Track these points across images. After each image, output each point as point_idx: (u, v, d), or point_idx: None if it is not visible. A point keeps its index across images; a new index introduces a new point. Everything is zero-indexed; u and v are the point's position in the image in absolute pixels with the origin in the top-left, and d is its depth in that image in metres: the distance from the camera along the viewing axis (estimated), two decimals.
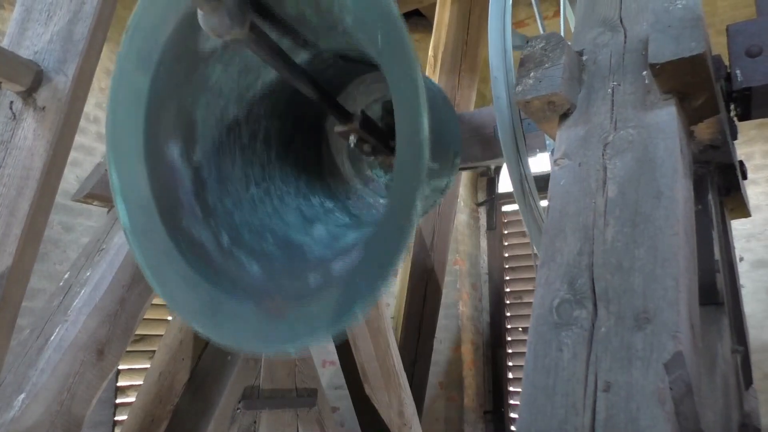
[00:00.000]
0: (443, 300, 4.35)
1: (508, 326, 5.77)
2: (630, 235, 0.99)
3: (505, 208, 5.99)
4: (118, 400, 4.17)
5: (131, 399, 3.98)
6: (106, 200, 2.30)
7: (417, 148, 1.03)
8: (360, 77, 1.78)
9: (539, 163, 1.91)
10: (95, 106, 4.19)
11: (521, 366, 5.11)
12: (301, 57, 1.49)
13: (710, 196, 1.46)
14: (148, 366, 2.66)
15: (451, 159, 1.77)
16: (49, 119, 1.76)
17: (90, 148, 4.11)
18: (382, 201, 1.82)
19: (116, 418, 4.12)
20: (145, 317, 2.13)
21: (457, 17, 4.24)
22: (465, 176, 5.76)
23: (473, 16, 4.28)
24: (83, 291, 1.96)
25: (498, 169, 6.35)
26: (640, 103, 1.16)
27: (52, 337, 1.86)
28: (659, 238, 0.97)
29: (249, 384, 2.38)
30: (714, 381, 1.29)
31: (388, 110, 1.78)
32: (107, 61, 4.25)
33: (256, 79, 1.51)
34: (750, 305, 4.31)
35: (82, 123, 3.57)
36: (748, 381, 1.60)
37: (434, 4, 4.42)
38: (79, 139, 3.58)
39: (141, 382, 2.55)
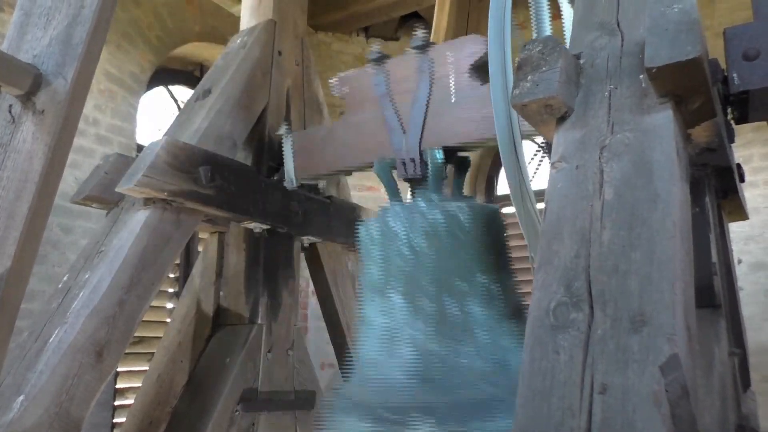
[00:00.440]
0: None
1: None
2: (626, 238, 1.00)
3: (504, 210, 5.97)
4: (116, 402, 4.17)
5: (130, 401, 3.98)
6: (105, 202, 2.30)
7: None
8: None
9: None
10: (94, 108, 4.19)
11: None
12: None
13: (707, 199, 1.46)
14: (146, 368, 2.66)
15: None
16: (48, 122, 1.77)
17: (89, 150, 4.11)
18: None
19: (115, 420, 4.12)
20: (143, 319, 2.13)
21: (456, 20, 4.25)
22: None
23: (472, 19, 4.29)
24: (82, 293, 1.96)
25: (497, 172, 6.35)
26: (636, 106, 1.17)
27: (51, 339, 1.86)
28: (656, 241, 0.97)
29: (248, 386, 2.38)
30: (711, 383, 1.29)
31: None
32: (106, 64, 4.26)
33: None
34: (748, 307, 4.30)
35: (82, 125, 3.58)
36: (746, 383, 1.61)
37: (433, 7, 4.43)
38: (78, 141, 3.58)
39: (139, 384, 2.55)
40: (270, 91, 2.73)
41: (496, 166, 6.38)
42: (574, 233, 1.05)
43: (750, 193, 4.50)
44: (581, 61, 1.29)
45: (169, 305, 4.44)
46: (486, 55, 1.96)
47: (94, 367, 1.89)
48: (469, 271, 1.76)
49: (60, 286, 2.06)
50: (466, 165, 2.13)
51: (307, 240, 2.80)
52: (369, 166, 2.21)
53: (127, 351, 2.12)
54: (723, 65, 1.38)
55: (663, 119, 1.13)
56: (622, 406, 0.83)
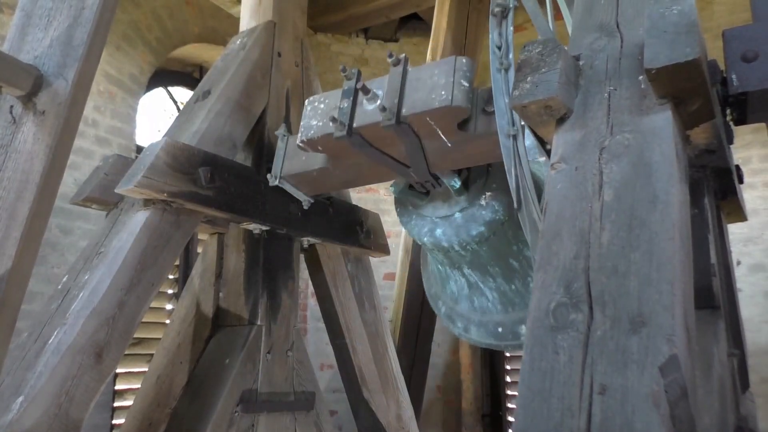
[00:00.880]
0: None
1: None
2: (626, 239, 1.00)
3: None
4: (115, 404, 4.16)
5: (129, 402, 3.98)
6: (105, 203, 2.31)
7: None
8: None
9: None
10: (94, 110, 4.19)
11: (519, 369, 5.10)
12: None
13: (706, 200, 1.46)
14: (146, 369, 2.66)
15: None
16: (48, 123, 1.77)
17: (89, 152, 4.11)
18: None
19: (114, 422, 4.11)
20: (143, 320, 2.13)
21: (455, 21, 4.26)
22: None
23: (471, 20, 4.30)
24: (81, 294, 1.96)
25: None
26: (636, 107, 1.17)
27: (51, 340, 1.86)
28: (655, 242, 0.97)
29: (247, 387, 2.38)
30: (710, 384, 1.29)
31: None
32: (105, 65, 4.26)
33: None
34: (747, 309, 4.31)
35: (81, 126, 3.57)
36: (745, 384, 1.61)
37: (433, 8, 4.44)
38: (77, 142, 3.58)
39: (139, 386, 2.55)
40: (269, 93, 2.74)
41: None
42: (574, 234, 1.05)
43: (749, 195, 4.51)
44: (580, 63, 1.30)
45: (169, 306, 4.44)
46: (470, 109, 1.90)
47: (93, 368, 1.89)
48: (517, 251, 2.21)
49: (59, 287, 2.06)
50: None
51: (306, 241, 2.80)
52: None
53: (126, 352, 2.12)
54: (722, 67, 1.38)
55: (662, 120, 1.13)
56: (621, 406, 0.83)
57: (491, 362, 5.67)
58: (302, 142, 2.09)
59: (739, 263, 4.56)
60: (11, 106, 1.83)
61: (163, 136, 2.35)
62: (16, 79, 1.76)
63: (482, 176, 2.17)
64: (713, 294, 1.41)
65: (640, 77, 1.19)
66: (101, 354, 1.92)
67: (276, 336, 2.55)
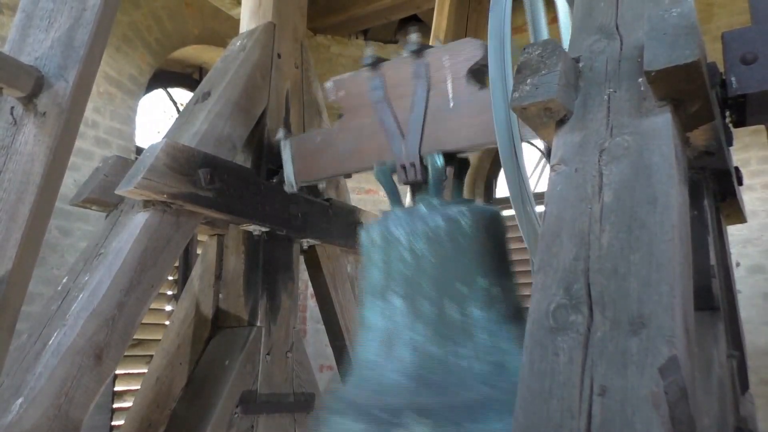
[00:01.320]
0: None
1: None
2: (625, 240, 1.00)
3: (503, 213, 5.98)
4: (115, 405, 4.16)
5: (128, 404, 3.98)
6: (105, 204, 2.30)
7: None
8: None
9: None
10: (94, 111, 4.19)
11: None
12: None
13: (706, 202, 1.47)
14: (145, 370, 2.66)
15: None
16: (49, 125, 1.77)
17: (88, 153, 4.11)
18: None
19: (113, 423, 4.11)
20: (142, 322, 2.13)
21: (455, 23, 4.26)
22: None
23: (471, 22, 4.30)
24: (81, 295, 1.96)
25: (496, 174, 6.37)
26: (635, 109, 1.17)
27: (50, 342, 1.86)
28: (654, 244, 0.98)
29: (247, 388, 2.38)
30: (710, 385, 1.30)
31: None
32: (105, 67, 4.26)
33: None
34: (746, 310, 4.31)
35: (81, 127, 3.57)
36: (744, 386, 1.61)
37: (432, 10, 4.44)
38: (77, 143, 3.57)
39: (138, 387, 2.55)
40: (269, 94, 2.74)
41: (495, 168, 6.39)
42: (574, 235, 1.05)
43: (748, 197, 4.52)
44: (580, 65, 1.30)
45: (168, 308, 4.44)
46: (484, 59, 1.97)
47: (93, 369, 1.89)
48: (470, 274, 1.77)
49: (59, 288, 2.06)
50: (465, 166, 2.13)
51: (306, 242, 2.80)
52: (369, 169, 2.23)
53: (125, 353, 2.12)
54: (721, 69, 1.39)
55: (662, 122, 1.13)
56: (621, 407, 0.84)
57: None
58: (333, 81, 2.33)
59: (738, 265, 4.57)
60: (12, 108, 1.83)
61: (163, 138, 2.35)
62: (16, 80, 1.76)
63: (467, 203, 2.02)
64: (713, 295, 1.42)
65: (640, 79, 1.20)
66: (101, 355, 1.92)
67: (276, 337, 2.55)
